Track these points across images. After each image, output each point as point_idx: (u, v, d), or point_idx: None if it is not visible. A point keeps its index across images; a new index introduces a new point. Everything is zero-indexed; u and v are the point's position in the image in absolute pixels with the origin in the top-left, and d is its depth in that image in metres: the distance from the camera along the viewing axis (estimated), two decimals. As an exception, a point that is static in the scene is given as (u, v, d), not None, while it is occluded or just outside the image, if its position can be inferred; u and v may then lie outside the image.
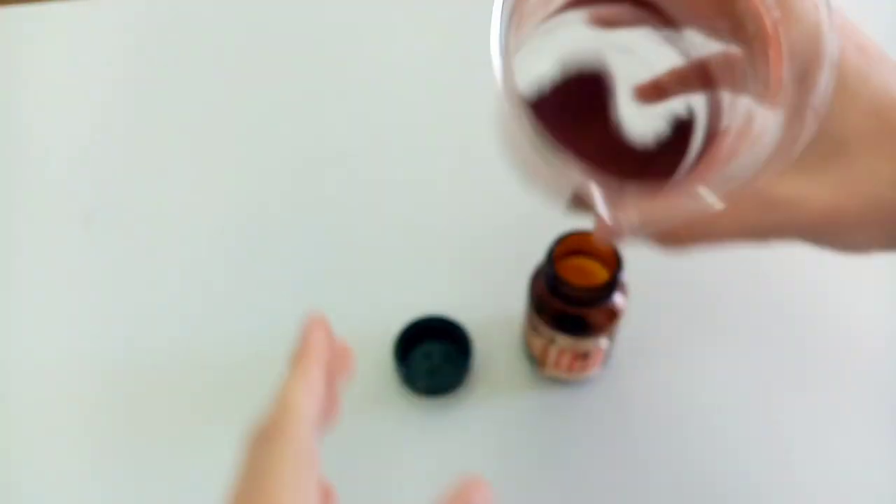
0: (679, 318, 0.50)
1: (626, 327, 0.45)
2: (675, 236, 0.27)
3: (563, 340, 0.42)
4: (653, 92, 0.31)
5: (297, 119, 0.62)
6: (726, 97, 0.29)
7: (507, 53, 0.24)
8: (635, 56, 0.31)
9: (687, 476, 0.44)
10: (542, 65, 0.30)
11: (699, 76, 0.30)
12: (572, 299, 0.40)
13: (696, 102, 0.31)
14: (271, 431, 0.25)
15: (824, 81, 0.23)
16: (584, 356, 0.43)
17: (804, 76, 0.23)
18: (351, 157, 0.59)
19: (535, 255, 0.42)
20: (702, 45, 0.29)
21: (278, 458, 0.24)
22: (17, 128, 0.63)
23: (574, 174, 0.24)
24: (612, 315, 0.42)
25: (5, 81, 0.67)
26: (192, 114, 0.63)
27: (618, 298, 0.42)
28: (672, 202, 0.25)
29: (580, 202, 0.26)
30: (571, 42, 0.30)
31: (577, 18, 0.30)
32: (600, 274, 0.42)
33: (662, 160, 0.30)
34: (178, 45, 0.69)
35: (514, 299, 0.46)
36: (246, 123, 0.62)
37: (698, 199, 0.23)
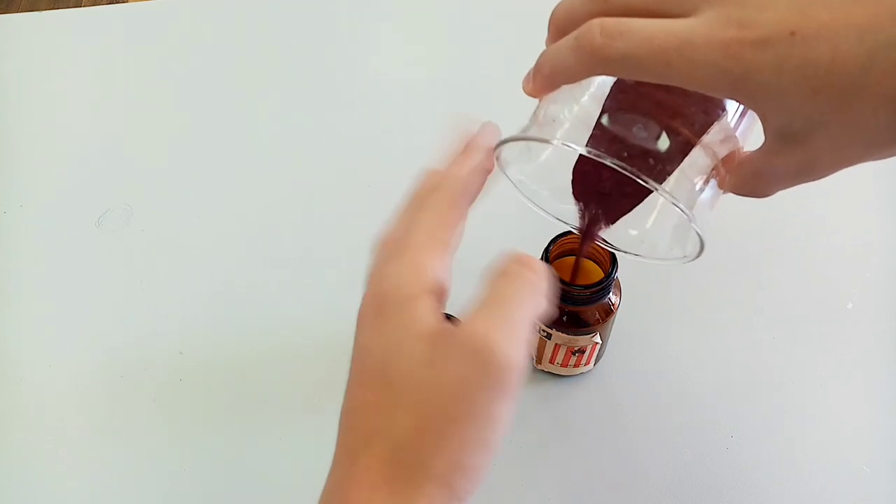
0: (670, 316, 0.51)
1: (620, 324, 0.46)
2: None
3: (559, 336, 0.43)
4: None
5: (308, 122, 0.63)
6: None
7: None
8: None
9: (678, 468, 0.44)
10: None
11: None
12: (568, 298, 0.41)
13: None
14: (432, 189, 0.29)
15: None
16: (579, 352, 0.44)
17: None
18: (352, 159, 0.60)
19: (532, 254, 0.43)
20: None
21: (431, 201, 0.29)
22: (31, 133, 0.65)
23: None
24: (607, 312, 0.43)
25: (17, 87, 0.68)
26: (203, 118, 0.64)
27: (612, 297, 0.43)
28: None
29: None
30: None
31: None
32: (595, 273, 0.43)
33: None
34: (188, 51, 0.70)
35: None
36: (255, 127, 0.63)
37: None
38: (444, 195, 0.29)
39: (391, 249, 0.28)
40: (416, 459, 0.24)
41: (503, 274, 0.27)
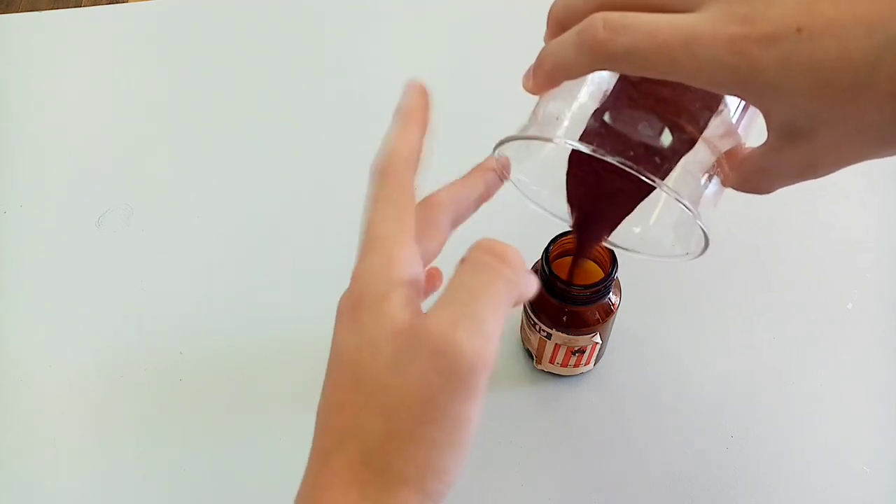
0: (670, 316, 0.51)
1: (620, 324, 0.46)
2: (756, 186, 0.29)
3: (559, 336, 0.43)
4: None
5: (308, 122, 0.63)
6: None
7: None
8: None
9: (678, 468, 0.44)
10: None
11: None
12: (568, 298, 0.41)
13: None
14: (378, 175, 0.28)
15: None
16: (579, 352, 0.44)
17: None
18: (352, 159, 0.60)
19: (532, 255, 0.43)
20: None
21: (380, 189, 0.28)
22: (31, 133, 0.65)
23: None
24: (607, 312, 0.43)
25: (17, 87, 0.68)
26: (203, 118, 0.64)
27: (612, 297, 0.43)
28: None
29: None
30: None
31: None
32: (595, 273, 0.43)
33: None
34: (188, 51, 0.69)
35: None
36: (255, 127, 0.63)
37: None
38: (388, 177, 0.28)
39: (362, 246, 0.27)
40: (386, 463, 0.24)
41: (470, 264, 0.25)
